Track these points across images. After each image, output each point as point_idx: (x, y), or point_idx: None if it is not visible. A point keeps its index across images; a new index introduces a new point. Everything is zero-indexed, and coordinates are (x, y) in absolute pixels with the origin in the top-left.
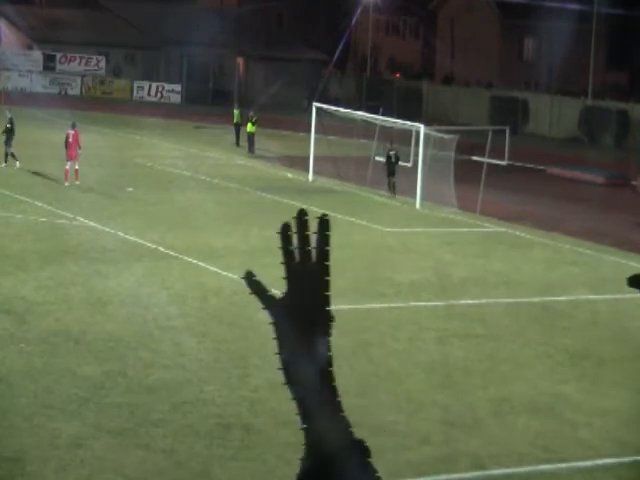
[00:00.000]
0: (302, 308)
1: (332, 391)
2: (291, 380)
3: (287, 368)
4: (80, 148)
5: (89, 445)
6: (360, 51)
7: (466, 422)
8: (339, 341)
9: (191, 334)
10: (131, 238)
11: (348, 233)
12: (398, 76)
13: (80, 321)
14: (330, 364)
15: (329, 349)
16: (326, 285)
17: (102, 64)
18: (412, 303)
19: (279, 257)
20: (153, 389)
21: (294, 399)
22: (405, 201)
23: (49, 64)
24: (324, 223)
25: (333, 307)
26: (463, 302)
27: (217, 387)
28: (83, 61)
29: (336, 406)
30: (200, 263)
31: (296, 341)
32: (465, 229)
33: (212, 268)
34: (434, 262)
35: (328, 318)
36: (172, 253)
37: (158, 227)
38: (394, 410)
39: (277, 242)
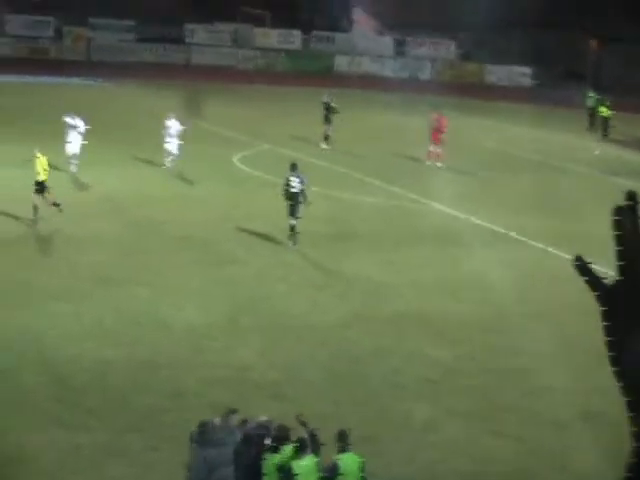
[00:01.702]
0: (636, 295)
1: None
2: (620, 367)
3: (617, 356)
4: (443, 132)
5: (440, 428)
6: None
7: None
8: None
9: (541, 320)
10: (482, 222)
11: None
12: None
13: (430, 304)
14: None
15: None
16: None
17: (452, 48)
18: None
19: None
20: (503, 374)
21: (622, 386)
22: None
23: (400, 49)
24: None
25: None
26: None
27: (567, 375)
28: (433, 45)
29: None
30: (549, 248)
31: (628, 328)
32: None
33: (561, 254)
34: None
35: None
36: (522, 238)
37: (508, 211)
38: None
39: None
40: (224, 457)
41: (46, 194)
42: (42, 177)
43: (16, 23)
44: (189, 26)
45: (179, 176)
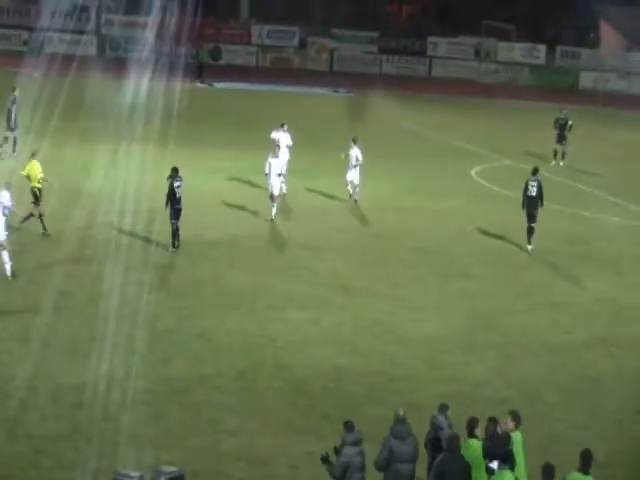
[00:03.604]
0: None
1: None
2: None
3: None
4: None
5: None
6: None
7: None
8: None
9: None
10: None
11: None
12: None
13: None
14: None
15: None
16: None
17: None
18: None
19: None
20: None
21: None
22: None
23: None
24: None
25: None
26: None
27: None
28: None
29: None
30: None
31: None
32: None
33: None
34: None
35: None
36: None
37: None
38: None
39: None
40: (405, 453)
41: (40, 204)
42: (36, 184)
43: (262, 33)
44: (432, 39)
45: (416, 188)
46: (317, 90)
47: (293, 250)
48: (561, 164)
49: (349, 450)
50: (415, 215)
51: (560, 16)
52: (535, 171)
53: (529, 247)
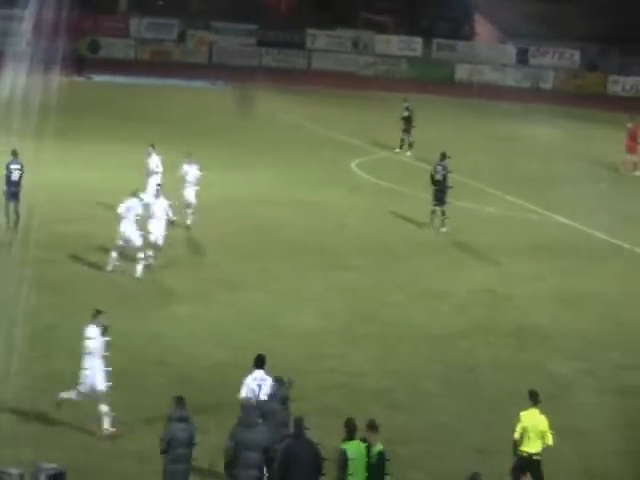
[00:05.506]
0: None
1: None
2: None
3: None
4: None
5: (555, 443)
6: None
7: None
8: None
9: None
10: (601, 236)
11: None
12: None
13: (549, 317)
14: None
15: None
16: None
17: (576, 57)
18: None
19: None
20: (625, 393)
21: None
22: None
23: (522, 57)
24: None
25: None
26: None
27: None
28: (557, 54)
29: None
30: None
31: None
32: None
33: None
34: None
35: None
36: None
37: (632, 225)
38: None
39: None
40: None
41: None
42: None
43: (140, 26)
44: (310, 31)
45: (296, 181)
46: (196, 83)
47: (174, 246)
48: (408, 154)
49: (174, 426)
50: (295, 207)
51: (435, 8)
52: (443, 156)
53: (442, 229)
